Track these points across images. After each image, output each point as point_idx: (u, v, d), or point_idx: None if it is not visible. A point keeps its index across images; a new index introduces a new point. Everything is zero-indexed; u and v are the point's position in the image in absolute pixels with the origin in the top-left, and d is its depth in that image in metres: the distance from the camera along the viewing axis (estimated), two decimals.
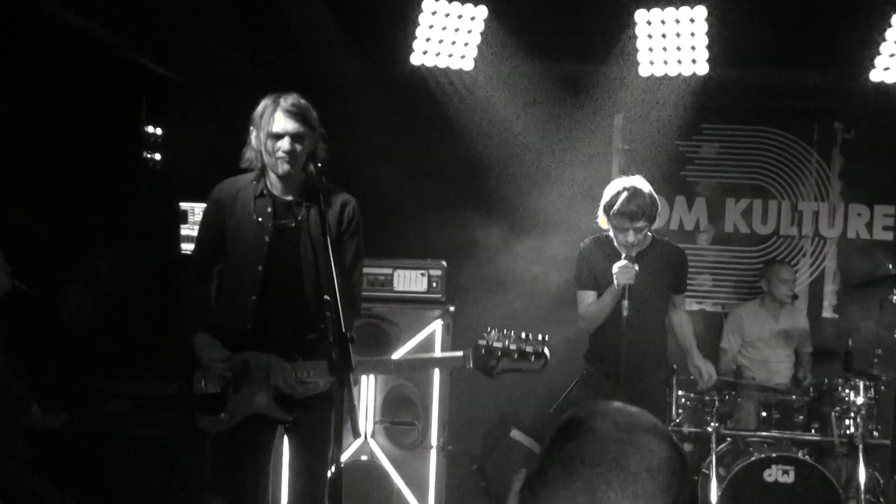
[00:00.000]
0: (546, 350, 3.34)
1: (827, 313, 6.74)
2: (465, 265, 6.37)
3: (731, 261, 6.84)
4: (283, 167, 3.64)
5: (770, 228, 6.80)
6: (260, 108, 3.67)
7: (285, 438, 3.90)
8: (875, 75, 6.00)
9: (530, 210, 6.57)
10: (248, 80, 6.07)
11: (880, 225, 6.68)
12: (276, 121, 3.59)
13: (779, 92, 6.49)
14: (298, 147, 3.62)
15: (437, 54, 6.17)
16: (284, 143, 3.61)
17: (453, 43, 6.11)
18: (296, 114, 3.60)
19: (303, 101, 3.66)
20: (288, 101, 3.63)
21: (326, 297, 3.21)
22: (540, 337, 3.35)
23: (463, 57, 6.18)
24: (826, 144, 6.78)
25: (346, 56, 6.10)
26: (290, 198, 3.73)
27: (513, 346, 3.34)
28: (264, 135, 3.63)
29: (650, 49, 5.96)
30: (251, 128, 3.70)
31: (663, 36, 5.90)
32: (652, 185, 6.38)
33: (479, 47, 6.14)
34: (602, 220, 4.36)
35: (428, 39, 6.10)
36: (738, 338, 6.22)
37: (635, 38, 5.98)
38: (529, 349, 3.33)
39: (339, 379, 3.01)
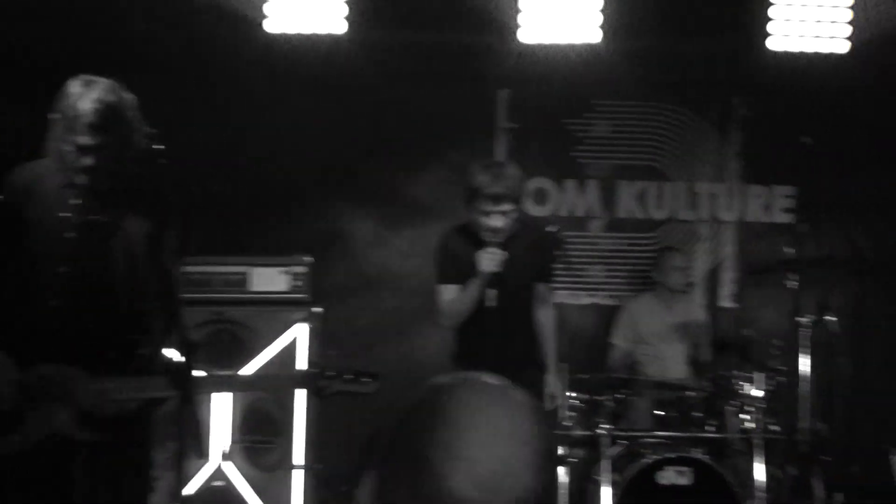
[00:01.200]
0: (376, 372, 3.33)
1: (725, 302, 6.65)
2: (333, 261, 6.14)
3: (626, 249, 6.69)
4: (82, 179, 3.38)
5: (666, 213, 6.68)
6: (66, 98, 3.35)
7: None
8: (773, 43, 5.92)
9: (406, 198, 6.42)
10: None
11: (779, 207, 6.61)
12: (79, 130, 3.31)
13: (674, 65, 6.41)
14: (103, 160, 3.36)
15: (297, 20, 5.91)
16: (87, 159, 3.35)
17: (315, 6, 5.88)
18: (99, 127, 3.30)
19: (111, 100, 3.33)
20: (90, 107, 3.30)
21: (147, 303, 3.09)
22: None
23: (328, 22, 5.95)
24: (724, 121, 6.69)
25: (189, 26, 5.75)
26: (101, 189, 3.43)
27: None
28: (66, 132, 3.34)
29: (535, 15, 5.84)
30: (57, 112, 3.37)
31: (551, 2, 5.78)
32: (540, 167, 6.54)
33: (346, 15, 5.95)
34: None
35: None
36: (631, 332, 6.10)
37: (517, 5, 5.82)
38: (362, 370, 3.32)
39: (183, 394, 2.89)
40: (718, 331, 6.21)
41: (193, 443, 2.92)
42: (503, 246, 4.13)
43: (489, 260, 4.04)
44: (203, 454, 4.79)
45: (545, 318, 4.53)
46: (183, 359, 2.88)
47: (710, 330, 6.21)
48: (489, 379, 1.40)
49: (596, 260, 6.68)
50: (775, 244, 5.95)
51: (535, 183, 6.42)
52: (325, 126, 6.27)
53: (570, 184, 6.64)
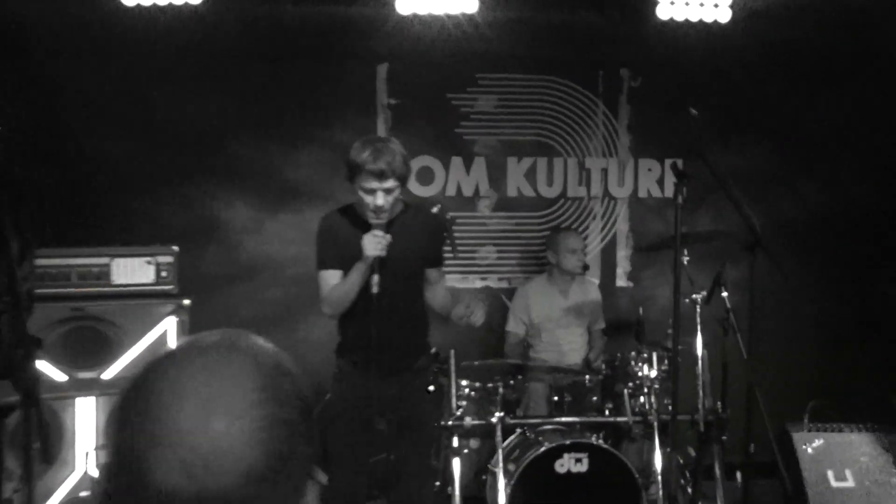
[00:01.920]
0: None
1: (621, 282, 6.64)
2: (206, 250, 5.92)
3: (516, 229, 6.59)
4: None
5: (557, 190, 6.60)
6: None
7: None
8: (661, 12, 5.89)
9: (283, 181, 6.18)
10: None
11: (672, 181, 6.55)
12: None
13: (558, 37, 6.30)
14: None
15: None
16: None
17: None
18: None
19: None
20: None
21: None
22: None
23: None
24: (612, 94, 6.63)
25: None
26: None
27: None
28: None
29: None
30: None
31: None
32: (425, 145, 6.37)
33: None
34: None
35: None
36: (525, 317, 5.99)
37: None
38: None
39: (26, 397, 2.72)
40: (614, 312, 6.27)
41: (43, 448, 2.77)
42: (388, 228, 4.01)
43: (373, 243, 3.92)
44: (50, 459, 4.52)
45: (439, 295, 4.42)
46: (26, 359, 2.73)
47: (605, 311, 6.19)
48: (209, 341, 1.19)
49: (486, 241, 6.57)
50: (668, 219, 5.93)
51: (420, 161, 6.28)
52: (194, 105, 5.98)
53: (457, 162, 6.48)
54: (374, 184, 3.89)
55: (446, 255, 4.39)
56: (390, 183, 3.91)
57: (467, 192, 6.53)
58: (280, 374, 1.18)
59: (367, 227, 3.98)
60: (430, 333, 4.37)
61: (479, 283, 6.53)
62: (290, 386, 1.18)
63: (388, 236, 3.94)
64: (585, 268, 5.93)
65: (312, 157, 6.15)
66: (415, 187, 6.21)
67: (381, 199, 3.89)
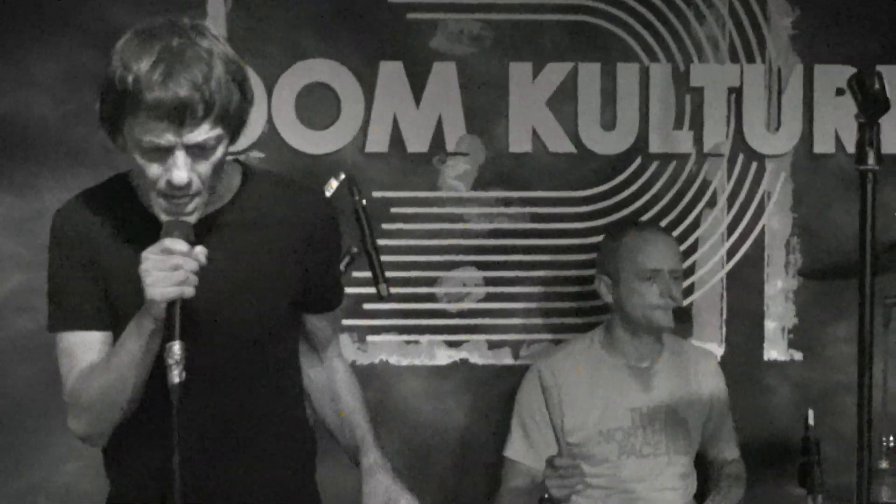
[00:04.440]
0: None
1: (774, 350, 4.47)
2: None
3: (530, 230, 4.59)
4: None
5: (622, 139, 4.22)
6: None
7: None
8: None
9: None
10: None
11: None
12: None
13: None
14: None
15: None
16: None
17: None
18: None
19: None
20: None
21: None
22: None
23: None
24: None
25: None
26: None
27: None
28: None
29: None
30: None
31: None
32: (311, 30, 4.05)
33: None
34: None
35: None
36: (549, 430, 4.37)
37: None
38: None
39: None
40: (754, 416, 4.59)
41: None
42: (203, 232, 2.66)
43: (164, 272, 2.60)
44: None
45: (324, 400, 3.12)
46: None
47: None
48: None
49: (461, 258, 4.40)
50: None
51: (301, 73, 4.20)
52: None
53: (391, 71, 4.26)
54: (165, 134, 2.35)
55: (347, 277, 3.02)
56: (203, 130, 2.33)
57: (416, 144, 3.93)
58: None
59: (153, 232, 2.40)
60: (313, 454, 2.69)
61: (444, 356, 4.01)
62: None
63: (202, 250, 2.38)
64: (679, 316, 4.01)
65: None
66: (292, 133, 3.90)
67: (181, 170, 2.37)
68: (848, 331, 3.94)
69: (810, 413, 3.43)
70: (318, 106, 3.73)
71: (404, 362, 3.85)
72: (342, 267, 2.87)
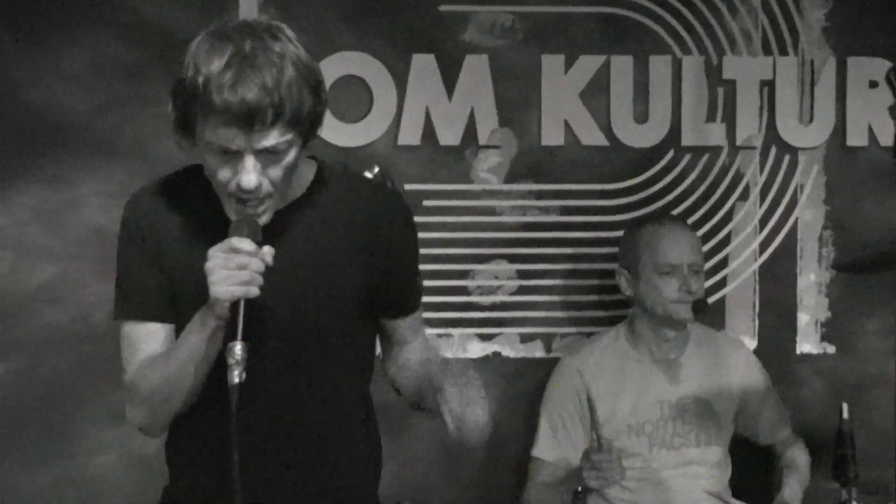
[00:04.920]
0: None
1: (807, 343, 4.51)
2: None
3: (557, 222, 4.44)
4: None
5: (655, 131, 4.30)
6: None
7: None
8: None
9: None
10: None
11: None
12: None
13: None
14: None
15: None
16: None
17: None
18: None
19: None
20: None
21: None
22: None
23: None
24: None
25: None
26: None
27: None
28: None
29: None
30: None
31: None
32: (349, 29, 3.78)
33: None
34: None
35: None
36: (580, 426, 4.35)
37: None
38: None
39: None
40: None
41: None
42: (272, 232, 2.57)
43: (229, 271, 2.51)
44: None
45: (410, 383, 3.02)
46: None
47: None
48: None
49: (492, 252, 4.34)
50: None
51: (340, 67, 4.23)
52: None
53: (424, 65, 4.26)
54: (234, 139, 2.27)
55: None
56: (274, 135, 2.25)
57: (448, 136, 3.91)
58: None
59: (223, 227, 2.34)
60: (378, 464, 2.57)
61: (477, 348, 3.99)
62: None
63: (269, 250, 2.31)
64: (700, 308, 3.86)
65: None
66: (325, 126, 3.36)
67: (250, 174, 2.31)
68: (881, 324, 3.96)
69: (844, 406, 3.39)
70: (350, 99, 3.73)
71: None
72: None
